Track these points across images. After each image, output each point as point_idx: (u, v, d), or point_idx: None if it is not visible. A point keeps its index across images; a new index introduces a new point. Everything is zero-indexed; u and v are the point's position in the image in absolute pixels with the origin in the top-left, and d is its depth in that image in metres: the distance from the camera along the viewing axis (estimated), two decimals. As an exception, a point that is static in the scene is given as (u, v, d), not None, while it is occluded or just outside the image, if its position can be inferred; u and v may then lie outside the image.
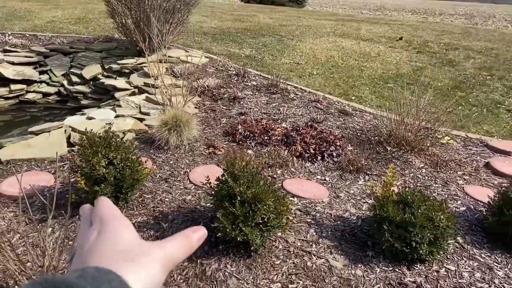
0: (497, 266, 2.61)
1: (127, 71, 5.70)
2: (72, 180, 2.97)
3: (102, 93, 5.68)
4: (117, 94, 5.09)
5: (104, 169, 2.68)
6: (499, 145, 4.29)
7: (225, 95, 5.00)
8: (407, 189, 2.71)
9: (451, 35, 11.03)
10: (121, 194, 2.78)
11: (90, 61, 6.21)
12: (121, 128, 3.86)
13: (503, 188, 2.91)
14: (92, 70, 5.94)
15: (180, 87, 4.68)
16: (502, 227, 2.75)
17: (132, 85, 5.22)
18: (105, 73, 5.88)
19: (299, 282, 2.39)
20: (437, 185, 3.50)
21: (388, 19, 16.11)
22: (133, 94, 5.08)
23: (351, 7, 47.72)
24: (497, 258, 2.68)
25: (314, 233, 2.81)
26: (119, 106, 4.50)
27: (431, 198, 2.63)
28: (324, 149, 3.87)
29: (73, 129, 3.83)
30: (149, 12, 5.52)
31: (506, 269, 2.59)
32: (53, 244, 2.29)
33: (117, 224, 0.45)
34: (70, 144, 3.73)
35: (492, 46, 9.65)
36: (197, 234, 0.49)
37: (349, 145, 4.08)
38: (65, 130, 3.86)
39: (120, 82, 5.35)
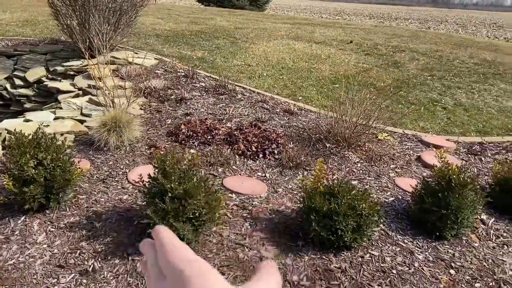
0: (418, 250, 2.79)
1: (72, 73, 5.60)
2: (5, 182, 2.91)
3: (46, 96, 5.55)
4: (60, 97, 4.99)
5: (33, 170, 2.64)
6: (432, 140, 4.55)
7: (172, 96, 5.02)
8: (335, 181, 2.84)
9: (400, 38, 11.52)
10: (52, 194, 2.75)
11: (34, 63, 6.05)
12: (59, 129, 3.80)
13: (426, 178, 3.10)
14: (36, 72, 5.78)
15: (125, 88, 4.65)
16: (423, 214, 2.94)
17: (76, 87, 5.13)
18: (49, 75, 5.75)
19: (229, 273, 2.46)
20: (370, 178, 3.68)
21: (344, 23, 16.60)
22: (77, 96, 5.00)
23: (312, 11, 48.81)
24: (418, 243, 2.86)
25: (249, 227, 2.88)
26: (61, 108, 4.42)
27: (356, 188, 2.78)
28: (266, 147, 3.97)
29: (9, 132, 3.72)
30: (94, 13, 5.46)
31: (426, 253, 2.77)
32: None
33: (200, 282, 0.39)
34: (5, 147, 3.63)
35: (437, 48, 10.17)
36: (275, 269, 0.45)
37: (291, 142, 4.20)
38: (1, 133, 3.76)
39: (64, 85, 5.25)
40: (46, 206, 2.79)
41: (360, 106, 4.17)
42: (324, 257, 2.62)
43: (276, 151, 3.97)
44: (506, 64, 8.83)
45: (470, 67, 8.22)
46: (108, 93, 4.18)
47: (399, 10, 78.17)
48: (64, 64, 5.72)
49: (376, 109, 4.08)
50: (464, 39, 13.72)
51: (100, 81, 4.46)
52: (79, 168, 2.90)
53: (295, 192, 3.38)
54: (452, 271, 2.62)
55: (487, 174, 3.93)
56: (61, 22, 5.86)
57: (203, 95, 5.25)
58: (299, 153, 3.91)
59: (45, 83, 5.49)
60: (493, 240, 2.98)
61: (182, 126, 4.15)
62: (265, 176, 3.63)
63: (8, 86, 5.82)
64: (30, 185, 2.62)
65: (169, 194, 2.50)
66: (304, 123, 4.70)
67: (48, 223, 2.72)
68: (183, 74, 5.84)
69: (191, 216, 2.53)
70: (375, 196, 3.36)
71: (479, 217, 3.17)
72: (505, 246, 2.94)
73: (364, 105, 4.18)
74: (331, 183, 2.82)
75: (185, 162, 2.73)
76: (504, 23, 46.92)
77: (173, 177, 2.56)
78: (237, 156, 3.89)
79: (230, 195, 3.27)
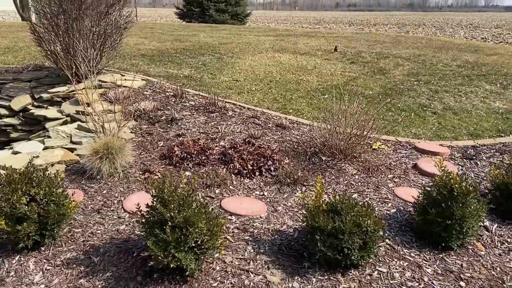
0: (425, 263, 2.75)
1: (59, 99, 5.49)
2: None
3: (33, 124, 5.42)
4: (48, 124, 4.88)
5: (26, 207, 2.54)
6: (426, 146, 4.56)
7: (163, 117, 4.95)
8: (337, 197, 2.80)
9: (383, 44, 11.67)
10: (47, 231, 2.65)
11: (19, 91, 5.92)
12: (49, 160, 3.69)
13: (427, 188, 3.08)
14: (21, 101, 5.66)
15: (114, 112, 4.57)
16: (427, 226, 2.91)
17: (63, 113, 5.03)
18: (35, 103, 5.63)
19: (236, 302, 2.38)
20: (369, 190, 3.64)
21: (325, 32, 16.78)
22: (65, 123, 4.89)
23: (291, 21, 49.36)
24: (425, 256, 2.82)
25: (252, 250, 2.81)
26: (49, 137, 4.32)
27: (359, 204, 2.73)
28: (261, 164, 3.92)
29: (-3, 166, 3.60)
30: (78, 38, 5.38)
31: (434, 265, 2.73)
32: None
33: None
34: (-6, 182, 3.50)
35: (420, 52, 10.33)
36: None
37: (287, 158, 4.16)
38: (-12, 167, 3.63)
39: (51, 112, 5.14)
40: (41, 243, 2.68)
41: (353, 116, 4.16)
42: (332, 277, 2.56)
43: (272, 168, 3.91)
44: (488, 64, 8.99)
45: (454, 70, 8.34)
46: (98, 119, 4.09)
47: (376, 16, 79.63)
48: (50, 90, 5.61)
49: (369, 118, 4.07)
50: (444, 41, 13.98)
51: (89, 106, 4.37)
52: (74, 201, 2.80)
53: (295, 210, 3.32)
54: (462, 283, 2.58)
55: (484, 178, 3.94)
56: (45, 48, 5.76)
57: (193, 114, 5.19)
58: (296, 169, 3.86)
59: (31, 111, 5.37)
60: (499, 247, 2.96)
61: (175, 148, 4.08)
62: (263, 194, 3.57)
63: (-8, 116, 5.68)
64: (24, 223, 2.51)
65: (169, 224, 2.42)
66: (298, 137, 4.67)
67: (44, 261, 2.61)
68: (171, 93, 5.78)
69: (193, 244, 2.45)
70: (376, 208, 3.33)
71: (482, 224, 3.16)
72: (510, 252, 2.92)
73: (356, 115, 4.17)
74: (332, 200, 2.77)
75: (183, 187, 2.65)
76: (479, 23, 48.11)
77: (172, 205, 2.49)
78: (233, 176, 3.82)
79: (229, 217, 3.19)
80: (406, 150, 4.52)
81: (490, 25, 44.24)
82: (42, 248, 2.70)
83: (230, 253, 2.78)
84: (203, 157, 4.01)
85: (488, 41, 24.14)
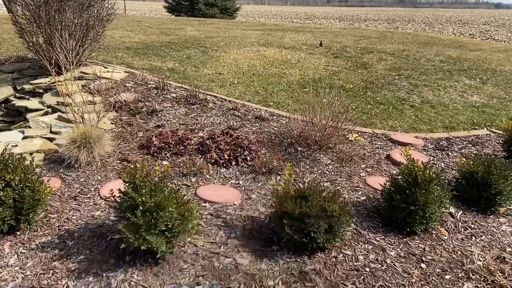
0: (389, 247, 2.86)
1: (41, 91, 5.51)
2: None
3: (15, 116, 5.44)
4: (29, 115, 4.90)
5: (1, 192, 2.60)
6: (401, 138, 4.69)
7: (143, 109, 5.01)
8: (306, 184, 2.90)
9: (369, 40, 11.80)
10: (22, 216, 2.71)
11: (0, 83, 5.92)
12: (28, 149, 3.74)
13: (394, 176, 3.19)
14: (2, 92, 5.67)
15: (95, 103, 4.61)
16: (393, 211, 3.03)
17: (45, 105, 5.06)
18: (17, 94, 5.64)
19: (205, 283, 2.47)
20: (341, 179, 3.76)
21: (313, 27, 16.87)
22: (46, 114, 4.92)
23: (282, 16, 49.37)
24: (390, 240, 2.94)
25: (223, 235, 2.90)
26: (29, 127, 4.35)
27: (326, 190, 2.84)
28: (238, 154, 4.01)
29: (-25, 155, 3.64)
30: (60, 29, 5.40)
31: (398, 249, 2.85)
32: None
33: None
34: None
35: (404, 48, 10.47)
36: None
37: (263, 148, 4.25)
38: (-33, 156, 3.66)
39: (32, 103, 5.16)
40: (16, 228, 2.74)
41: (329, 108, 4.27)
42: (298, 260, 2.67)
43: (248, 158, 4.01)
44: (470, 60, 9.17)
45: (436, 65, 8.49)
46: (78, 109, 4.14)
47: (367, 11, 79.98)
48: (32, 82, 5.63)
49: (344, 110, 4.18)
50: (430, 37, 14.16)
51: (69, 97, 4.41)
52: (49, 187, 2.86)
53: (269, 198, 3.42)
54: (423, 265, 2.71)
55: (454, 168, 4.07)
56: (27, 40, 5.76)
57: (174, 106, 5.25)
58: (272, 159, 3.96)
59: (13, 102, 5.39)
60: (462, 232, 3.09)
61: (154, 138, 4.15)
62: (238, 183, 3.66)
63: (-27, 107, 5.68)
64: (-2, 208, 2.57)
65: (140, 208, 2.50)
66: (276, 128, 4.76)
67: (19, 244, 2.67)
68: (153, 86, 5.83)
69: (164, 228, 2.53)
70: (347, 196, 3.44)
71: (447, 210, 3.29)
72: (473, 237, 3.05)
73: (333, 107, 4.28)
74: (302, 186, 2.87)
75: (156, 174, 2.73)
76: (468, 20, 48.59)
77: (144, 190, 2.56)
78: (210, 165, 3.91)
79: (204, 204, 3.28)
80: (381, 141, 4.64)
81: (479, 21, 44.76)
82: (18, 233, 2.77)
83: (202, 237, 2.87)
84: (181, 147, 4.09)
85: (476, 38, 24.46)
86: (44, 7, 5.51)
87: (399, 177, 3.10)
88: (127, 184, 2.62)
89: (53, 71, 4.12)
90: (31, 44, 5.82)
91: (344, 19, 46.81)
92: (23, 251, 2.63)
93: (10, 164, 2.71)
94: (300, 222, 2.66)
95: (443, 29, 33.55)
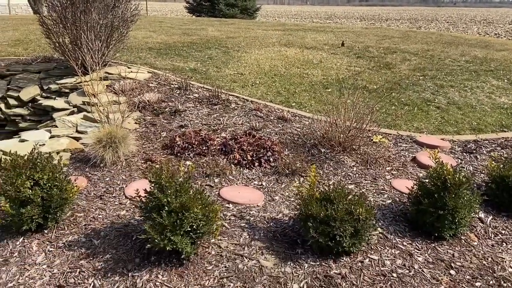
0: (417, 252, 2.80)
1: (66, 90, 5.62)
2: (1, 204, 2.91)
3: (41, 115, 5.56)
4: (55, 115, 5.01)
5: (29, 190, 2.65)
6: (426, 140, 4.58)
7: (166, 109, 5.04)
8: (331, 186, 2.85)
9: (391, 40, 11.60)
10: (50, 214, 2.75)
11: (28, 82, 6.07)
12: (55, 148, 3.81)
13: (421, 179, 3.12)
14: (30, 91, 5.80)
15: (119, 103, 4.67)
16: (421, 216, 2.95)
17: (71, 104, 5.15)
18: (43, 94, 5.77)
19: (229, 285, 2.46)
20: (366, 181, 3.69)
21: (334, 27, 16.71)
22: (72, 113, 5.02)
23: (302, 16, 49.15)
24: (417, 245, 2.87)
25: (247, 236, 2.89)
26: (56, 126, 4.44)
27: (352, 193, 2.79)
28: (261, 155, 3.98)
29: (4, 153, 3.72)
30: (85, 30, 5.49)
31: (426, 254, 2.78)
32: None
33: None
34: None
35: (428, 47, 10.25)
36: None
37: (286, 149, 4.22)
38: (-4, 155, 3.76)
39: (58, 102, 5.27)
40: (44, 226, 2.79)
41: (353, 109, 4.20)
42: (323, 263, 2.63)
43: (271, 159, 3.98)
44: (497, 60, 8.90)
45: (461, 65, 8.28)
46: (103, 109, 4.20)
47: (389, 11, 78.84)
48: (58, 82, 5.74)
49: (369, 112, 4.11)
50: (455, 37, 13.84)
51: (94, 97, 4.48)
52: (76, 186, 2.90)
53: (292, 199, 3.39)
54: (452, 272, 2.63)
55: (482, 172, 3.95)
56: (53, 40, 5.88)
57: (197, 106, 5.27)
58: (295, 160, 3.92)
59: (39, 101, 5.51)
60: (492, 238, 3.00)
61: (177, 139, 4.16)
62: (261, 184, 3.64)
63: (2, 106, 5.84)
64: (27, 206, 2.62)
65: (166, 208, 2.51)
66: (299, 129, 4.72)
67: (47, 243, 2.72)
68: (176, 86, 5.86)
69: (189, 229, 2.53)
70: (372, 199, 3.38)
71: (476, 215, 3.19)
72: (504, 243, 2.95)
73: (357, 108, 4.21)
74: (327, 189, 2.83)
75: (181, 175, 2.74)
76: (493, 19, 47.34)
77: (169, 191, 2.57)
78: (233, 166, 3.90)
79: (227, 205, 3.27)
80: (406, 143, 4.55)
81: (504, 21, 43.53)
82: (45, 231, 2.82)
83: (226, 238, 2.86)
84: (204, 148, 4.10)
85: (502, 37, 23.79)
86: (70, 8, 5.62)
87: (427, 180, 3.02)
88: (152, 185, 2.63)
89: (80, 71, 4.19)
90: (57, 44, 5.94)
91: (365, 19, 46.26)
92: (50, 249, 2.67)
93: (38, 163, 2.76)
94: (325, 225, 2.62)
95: (467, 28, 32.77)
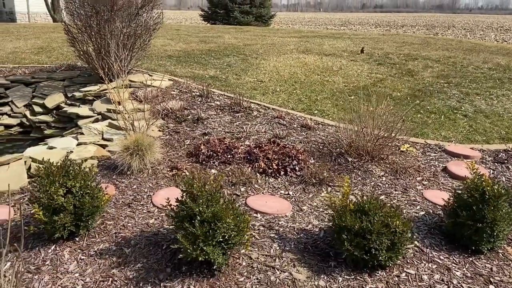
0: (455, 266, 2.70)
1: (90, 98, 5.67)
2: (32, 211, 2.92)
3: (66, 122, 5.61)
4: (80, 122, 5.04)
5: (63, 198, 2.65)
6: (456, 149, 4.47)
7: (189, 117, 5.04)
8: (364, 197, 2.79)
9: (411, 46, 11.48)
10: (82, 222, 2.74)
11: (52, 90, 6.14)
12: (83, 155, 3.82)
13: (457, 191, 3.03)
14: (54, 99, 5.87)
15: (143, 111, 4.68)
16: (458, 229, 2.86)
17: (95, 112, 5.19)
18: (68, 101, 5.83)
19: (263, 298, 2.41)
20: (397, 192, 3.61)
21: (351, 33, 16.64)
22: (96, 121, 5.05)
23: (316, 23, 49.13)
24: (455, 259, 2.78)
25: (278, 248, 2.83)
26: (82, 133, 4.47)
27: (387, 205, 2.71)
28: (286, 164, 3.93)
29: (34, 160, 3.76)
30: (109, 39, 5.54)
31: (464, 269, 2.68)
32: (9, 279, 2.23)
33: None
34: (31, 176, 3.66)
35: (450, 54, 10.11)
36: None
37: (312, 158, 4.16)
38: (25, 162, 3.79)
39: (83, 110, 5.31)
40: (75, 234, 2.78)
41: (381, 117, 4.13)
42: (358, 277, 2.56)
43: (297, 168, 3.93)
44: (521, 67, 8.72)
45: (485, 73, 8.13)
46: (128, 117, 4.21)
47: (404, 17, 78.34)
48: (82, 89, 5.80)
49: (398, 120, 4.03)
50: (475, 44, 13.63)
51: (120, 105, 4.50)
52: (107, 194, 2.89)
53: (321, 210, 3.33)
54: (491, 287, 2.53)
55: (516, 182, 3.83)
56: (78, 49, 5.96)
57: (219, 114, 5.25)
58: (321, 169, 3.86)
59: (64, 109, 5.57)
60: (531, 252, 2.88)
61: (202, 146, 4.14)
62: (288, 194, 3.59)
63: (27, 113, 5.91)
64: (60, 214, 2.61)
65: (198, 218, 2.47)
66: (323, 138, 4.66)
67: (79, 251, 2.71)
68: (197, 94, 5.87)
69: (221, 239, 2.49)
70: (404, 211, 3.29)
71: (513, 228, 3.07)
72: (544, 258, 2.84)
73: (384, 117, 4.14)
74: (360, 200, 2.76)
75: (211, 183, 2.70)
76: (510, 26, 46.63)
77: (201, 200, 2.54)
78: (258, 174, 3.86)
79: (255, 215, 3.23)
80: (435, 152, 4.45)
81: (522, 27, 42.79)
82: (77, 239, 2.81)
83: (256, 249, 2.81)
84: (229, 156, 4.07)
85: (521, 44, 23.36)
86: (95, 17, 5.69)
87: (464, 192, 2.93)
88: (184, 193, 2.60)
89: (106, 79, 4.22)
90: (81, 52, 6.01)
91: (380, 25, 46.02)
92: (82, 257, 2.66)
93: (71, 171, 2.76)
94: (360, 238, 2.56)
95: (485, 35, 32.32)
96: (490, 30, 38.87)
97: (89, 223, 2.80)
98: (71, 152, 3.88)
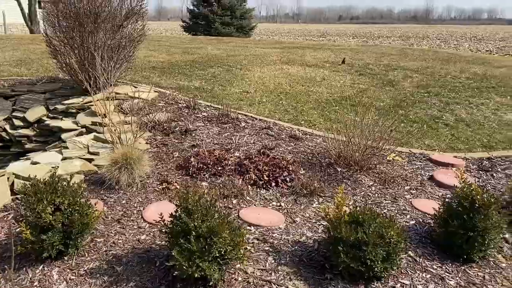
0: (448, 276, 2.73)
1: (73, 111, 5.55)
2: (18, 230, 2.81)
3: (48, 135, 5.47)
4: (63, 135, 4.92)
5: (51, 216, 2.56)
6: (440, 158, 4.56)
7: (177, 128, 4.99)
8: (357, 208, 2.80)
9: (390, 57, 11.74)
10: (71, 240, 2.66)
11: (33, 103, 5.99)
12: (69, 170, 3.72)
13: (447, 200, 3.08)
14: (36, 112, 5.72)
15: (129, 123, 4.61)
16: (449, 238, 2.90)
17: (79, 125, 5.08)
18: (50, 114, 5.69)
19: (261, 313, 2.37)
20: (387, 201, 3.64)
21: (331, 44, 16.91)
22: (80, 134, 4.94)
23: (295, 34, 49.78)
24: (448, 268, 2.81)
25: (273, 261, 2.81)
26: (66, 147, 4.35)
27: (381, 215, 2.73)
28: (277, 175, 3.93)
29: (17, 176, 3.64)
30: (93, 51, 5.46)
31: (457, 278, 2.71)
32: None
33: None
34: (14, 192, 3.53)
35: (427, 64, 10.38)
36: None
37: (302, 169, 4.17)
38: (8, 178, 3.66)
39: (66, 123, 5.19)
40: (64, 253, 2.69)
41: (368, 127, 4.18)
42: (355, 289, 2.55)
43: (288, 179, 3.92)
44: (497, 77, 9.02)
45: (463, 82, 8.37)
46: (114, 130, 4.13)
47: (379, 28, 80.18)
48: (65, 102, 5.67)
49: (385, 130, 4.09)
50: (451, 53, 14.05)
51: (105, 117, 4.42)
52: (97, 210, 2.82)
53: (314, 221, 3.32)
54: (485, 295, 2.57)
55: (501, 190, 3.92)
56: (60, 61, 5.84)
57: (207, 125, 5.22)
58: (312, 180, 3.87)
59: (46, 122, 5.43)
60: (520, 259, 2.94)
61: (192, 159, 4.10)
62: (280, 205, 3.58)
63: (7, 127, 5.74)
64: (48, 232, 2.53)
65: (193, 233, 2.43)
66: (312, 148, 4.68)
67: (68, 270, 2.62)
68: (184, 105, 5.83)
69: (217, 254, 2.45)
70: (396, 220, 3.32)
71: (502, 235, 3.14)
72: (532, 264, 2.90)
73: (371, 127, 4.19)
74: (353, 211, 2.77)
75: (205, 198, 2.67)
76: (483, 36, 48.31)
77: (196, 215, 2.50)
78: (249, 186, 3.84)
79: (248, 227, 3.20)
80: (421, 161, 4.52)
81: (494, 38, 44.42)
82: (65, 258, 2.72)
83: (251, 263, 2.78)
84: (219, 168, 4.03)
85: (494, 54, 24.23)
86: (78, 29, 5.60)
87: (453, 201, 2.98)
88: (178, 208, 2.56)
89: (91, 91, 4.14)
90: (64, 64, 5.90)
91: (357, 36, 46.96)
92: (72, 277, 2.57)
93: (59, 188, 2.68)
94: (356, 249, 2.56)
95: (459, 45, 33.36)
96: (464, 40, 40.17)
97: (79, 241, 2.71)
98: (57, 167, 3.77)
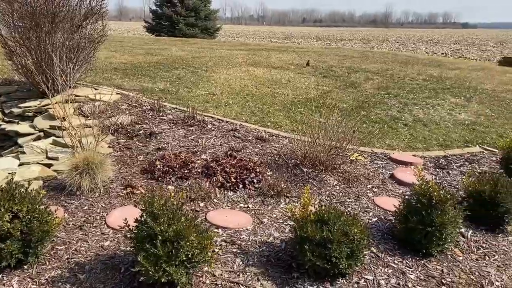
0: (409, 270, 2.84)
1: (30, 114, 5.32)
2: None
3: (3, 140, 5.21)
4: (20, 140, 4.72)
5: (9, 224, 2.45)
6: (400, 156, 4.74)
7: (141, 131, 4.90)
8: (323, 207, 2.86)
9: (352, 59, 12.05)
10: (30, 249, 2.55)
11: (-14, 106, 5.70)
12: (26, 176, 3.57)
13: (407, 197, 3.20)
14: (-11, 115, 5.45)
15: (90, 127, 4.48)
16: (409, 233, 3.01)
17: (36, 129, 4.88)
18: (5, 118, 5.43)
19: (229, 315, 2.38)
20: (350, 200, 3.74)
21: (295, 47, 17.15)
22: (38, 138, 4.75)
23: (261, 36, 50.09)
24: (408, 262, 2.92)
25: (241, 262, 2.82)
26: (23, 153, 4.18)
27: (345, 213, 2.81)
28: (245, 176, 3.94)
29: (-31, 183, 3.45)
30: (51, 52, 5.26)
31: (417, 272, 2.83)
32: None
33: None
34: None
35: (387, 67, 10.74)
36: None
37: (269, 170, 4.21)
38: (-41, 185, 3.47)
39: (23, 127, 4.98)
40: (24, 262, 2.58)
41: (332, 128, 4.28)
42: (321, 287, 2.61)
43: (255, 180, 3.95)
44: (451, 78, 9.47)
45: (420, 84, 8.72)
46: (75, 133, 4.00)
47: (341, 31, 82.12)
48: (21, 105, 5.43)
49: (348, 131, 4.20)
50: (409, 56, 14.61)
51: (65, 120, 4.27)
52: (57, 217, 2.72)
53: (281, 221, 3.36)
54: None
55: (456, 186, 4.13)
56: (16, 62, 5.59)
57: (172, 128, 5.16)
58: (279, 181, 3.92)
59: (1, 126, 5.18)
60: (475, 252, 3.11)
61: (157, 162, 4.04)
62: (248, 207, 3.59)
63: (-42, 132, 5.42)
64: (7, 241, 2.42)
65: (160, 238, 2.40)
66: (278, 149, 4.74)
67: (28, 279, 2.51)
68: (148, 107, 5.73)
69: (184, 258, 2.43)
70: (359, 218, 3.42)
71: (458, 230, 3.30)
72: (486, 257, 3.07)
73: (335, 128, 4.29)
74: (319, 210, 2.83)
75: (172, 201, 2.64)
76: (438, 39, 50.53)
77: (162, 219, 2.47)
78: (217, 189, 3.83)
79: (216, 230, 3.19)
80: (382, 160, 4.68)
81: (449, 41, 46.61)
82: (25, 267, 2.60)
83: (219, 266, 2.78)
84: (186, 171, 4.00)
85: (448, 56, 25.41)
86: (34, 29, 5.38)
87: (412, 198, 3.10)
88: (144, 213, 2.52)
89: (49, 93, 3.99)
90: (20, 66, 5.65)
91: (321, 39, 47.89)
92: (32, 286, 2.47)
93: (17, 195, 2.57)
94: (322, 248, 2.61)
95: (416, 48, 34.75)
96: (421, 43, 41.86)
97: (39, 249, 2.61)
98: (14, 173, 3.61)
